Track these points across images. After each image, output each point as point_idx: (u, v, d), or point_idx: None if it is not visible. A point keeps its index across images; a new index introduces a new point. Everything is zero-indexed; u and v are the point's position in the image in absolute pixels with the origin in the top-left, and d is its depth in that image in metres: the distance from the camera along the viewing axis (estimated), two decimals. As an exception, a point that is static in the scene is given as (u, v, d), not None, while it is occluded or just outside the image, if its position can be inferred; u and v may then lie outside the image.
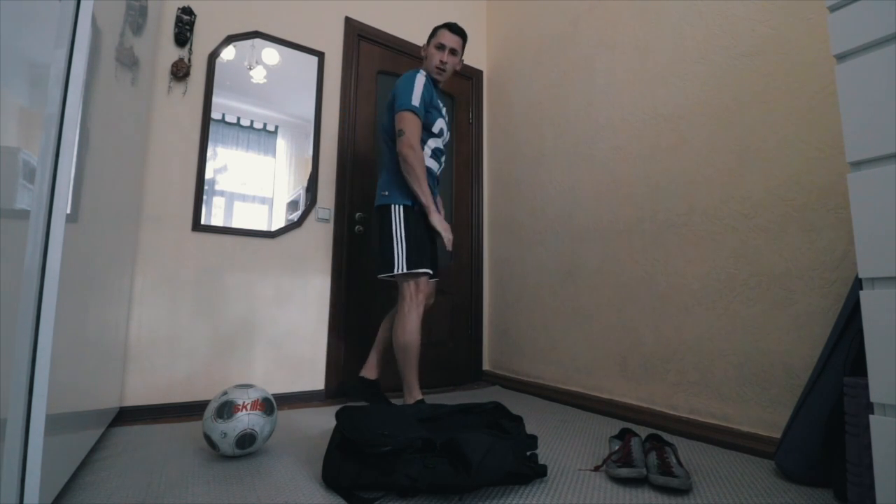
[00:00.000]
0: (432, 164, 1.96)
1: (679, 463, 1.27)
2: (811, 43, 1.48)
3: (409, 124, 1.81)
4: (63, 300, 0.94)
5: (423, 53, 2.06)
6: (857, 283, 1.20)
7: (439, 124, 1.95)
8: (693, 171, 1.79)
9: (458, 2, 3.06)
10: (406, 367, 1.88)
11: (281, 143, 2.33)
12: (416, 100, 1.82)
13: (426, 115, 1.89)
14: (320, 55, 2.44)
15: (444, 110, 2.02)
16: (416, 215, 1.88)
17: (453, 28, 2.00)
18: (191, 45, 2.09)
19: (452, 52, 1.98)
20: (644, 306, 1.92)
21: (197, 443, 1.54)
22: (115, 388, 1.72)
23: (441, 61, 1.97)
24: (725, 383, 1.61)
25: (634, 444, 1.37)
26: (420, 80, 1.87)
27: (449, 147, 2.05)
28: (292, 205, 2.33)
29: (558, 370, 2.32)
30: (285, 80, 2.35)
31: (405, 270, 1.81)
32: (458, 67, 2.07)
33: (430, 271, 1.86)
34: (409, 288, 1.85)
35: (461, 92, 3.01)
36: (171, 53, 2.05)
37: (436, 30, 2.03)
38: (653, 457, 1.29)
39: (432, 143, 1.96)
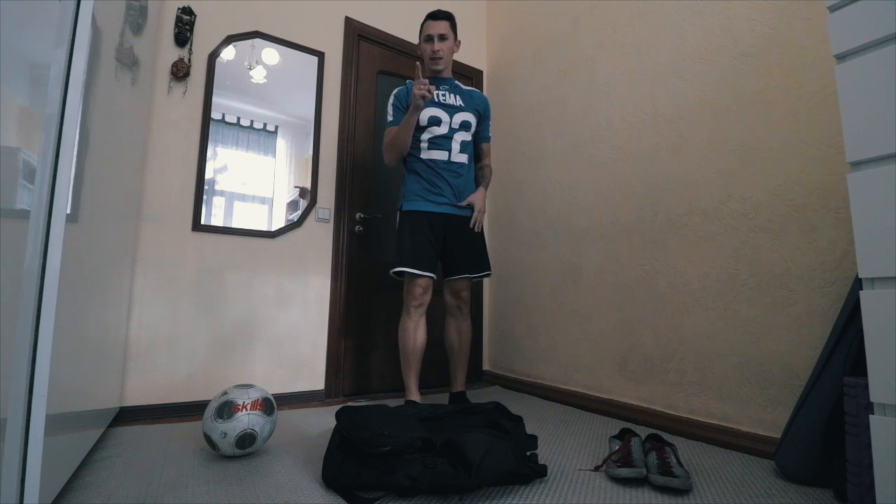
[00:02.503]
0: (434, 154, 1.94)
1: (679, 463, 1.27)
2: (811, 43, 1.48)
3: (384, 139, 2.01)
4: (63, 300, 0.94)
5: (418, 53, 2.06)
6: (857, 283, 1.20)
7: (426, 114, 1.92)
8: (693, 171, 1.79)
9: (458, 2, 3.05)
10: (402, 367, 1.94)
11: (281, 143, 2.33)
12: (389, 117, 2.01)
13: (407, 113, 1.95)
14: (320, 55, 2.44)
15: (437, 95, 1.96)
16: (407, 217, 1.93)
17: (434, 15, 1.99)
18: (191, 45, 2.09)
19: (441, 37, 1.96)
20: (644, 306, 1.92)
21: (197, 443, 1.54)
22: (115, 388, 1.72)
23: (433, 51, 1.97)
24: (725, 383, 1.61)
25: (634, 444, 1.37)
26: (390, 100, 2.01)
27: (469, 126, 2.00)
28: (292, 205, 2.33)
29: (558, 370, 2.32)
30: (285, 80, 2.35)
31: (392, 272, 1.93)
32: (456, 49, 2.04)
33: (410, 270, 1.85)
34: (403, 289, 1.95)
35: (461, 92, 3.01)
36: (171, 53, 2.05)
37: (421, 25, 2.03)
38: (653, 457, 1.29)
39: (425, 136, 1.94)
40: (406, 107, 1.95)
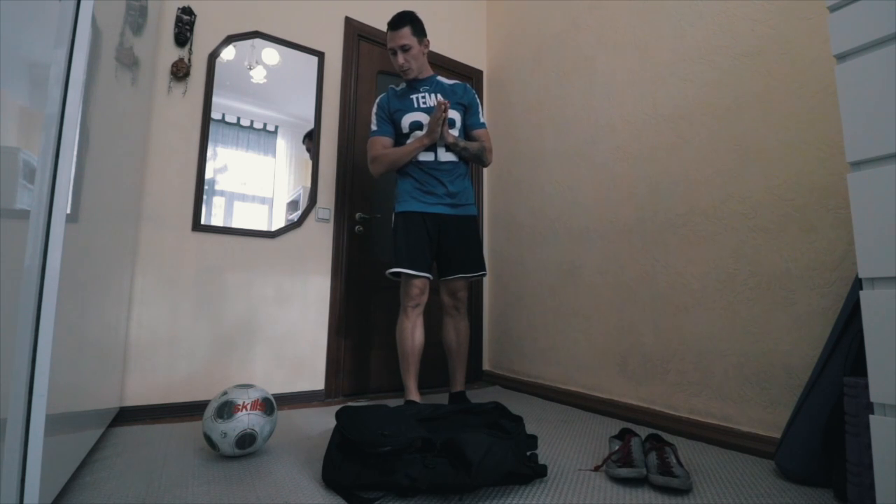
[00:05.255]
0: (420, 156, 1.92)
1: (679, 463, 1.27)
2: (811, 43, 1.48)
3: (368, 148, 2.00)
4: (63, 300, 0.94)
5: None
6: (857, 283, 1.20)
7: (407, 119, 1.93)
8: (693, 171, 1.79)
9: (458, 2, 3.05)
10: (400, 368, 1.94)
11: (281, 143, 2.33)
12: (373, 126, 2.00)
13: (391, 121, 1.97)
14: (320, 55, 2.44)
15: (417, 99, 1.96)
16: (402, 218, 1.93)
17: (392, 24, 1.93)
18: (191, 45, 2.09)
19: (403, 48, 1.92)
20: (644, 306, 1.92)
21: (197, 443, 1.54)
22: (115, 388, 1.71)
23: (399, 65, 1.94)
24: (725, 383, 1.61)
25: (634, 444, 1.37)
26: (374, 109, 2.01)
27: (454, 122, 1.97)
28: (292, 205, 2.33)
29: (558, 370, 2.32)
30: (285, 80, 2.35)
31: (388, 272, 1.93)
32: (425, 49, 2.00)
33: (406, 271, 1.85)
34: (400, 290, 1.95)
35: (461, 92, 3.01)
36: (171, 53, 2.05)
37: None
38: (653, 457, 1.29)
39: (409, 141, 1.93)
40: (389, 116, 1.96)
